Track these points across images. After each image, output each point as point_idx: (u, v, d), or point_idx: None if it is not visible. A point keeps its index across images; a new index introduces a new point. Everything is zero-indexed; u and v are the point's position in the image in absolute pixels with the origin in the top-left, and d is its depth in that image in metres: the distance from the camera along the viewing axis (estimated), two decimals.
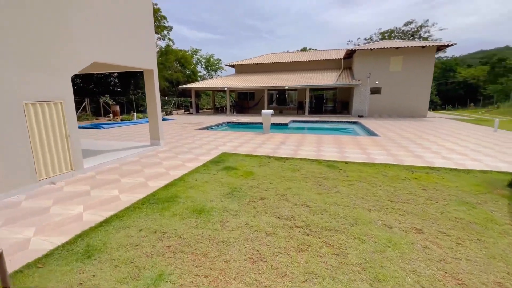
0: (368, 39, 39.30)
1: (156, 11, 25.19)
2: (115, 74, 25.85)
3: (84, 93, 24.30)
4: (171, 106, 26.37)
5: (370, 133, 10.98)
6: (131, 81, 25.17)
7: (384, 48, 17.81)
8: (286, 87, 19.90)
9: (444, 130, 11.49)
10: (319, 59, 22.87)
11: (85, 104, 19.52)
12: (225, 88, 21.51)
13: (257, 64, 24.53)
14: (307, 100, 20.32)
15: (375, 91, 18.78)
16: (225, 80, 23.21)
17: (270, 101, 24.98)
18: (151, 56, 7.07)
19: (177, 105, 29.27)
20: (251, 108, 23.77)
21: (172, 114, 22.39)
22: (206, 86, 22.33)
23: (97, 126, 12.78)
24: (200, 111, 27.00)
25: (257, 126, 15.27)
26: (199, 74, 37.30)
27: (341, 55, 22.69)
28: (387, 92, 18.42)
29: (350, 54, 20.47)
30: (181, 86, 23.02)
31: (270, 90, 23.92)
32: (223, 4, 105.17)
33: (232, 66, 25.94)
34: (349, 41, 43.63)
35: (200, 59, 39.02)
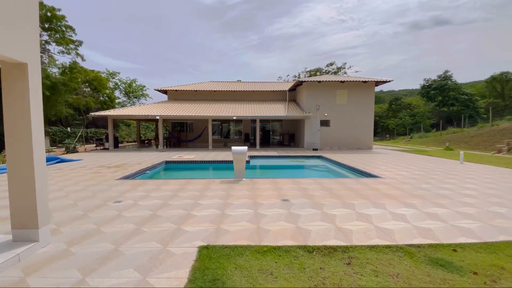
0: (296, 76, 42.15)
1: (58, 18, 19.35)
2: None
3: None
4: (75, 140, 19.63)
5: (361, 172, 9.16)
6: None
7: (330, 81, 17.79)
8: (234, 117, 17.29)
9: (451, 167, 10.85)
10: (264, 89, 21.59)
11: None
12: (157, 117, 17.20)
13: (196, 91, 21.33)
14: (258, 132, 18.11)
15: (324, 123, 18.27)
16: (156, 108, 18.86)
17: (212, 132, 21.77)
18: (27, 39, 3.15)
19: (85, 139, 22.33)
20: (191, 141, 19.85)
21: (77, 151, 16.16)
22: (130, 114, 17.44)
23: None
24: (119, 145, 21.12)
25: (212, 166, 11.69)
26: (117, 100, 30.93)
27: (285, 87, 22.12)
28: (336, 124, 18.14)
29: (295, 86, 19.90)
30: (92, 114, 17.27)
31: (214, 120, 20.83)
32: (144, 35, 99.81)
33: (164, 91, 21.87)
34: (279, 77, 45.91)
35: (119, 83, 32.88)
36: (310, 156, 14.20)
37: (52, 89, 17.89)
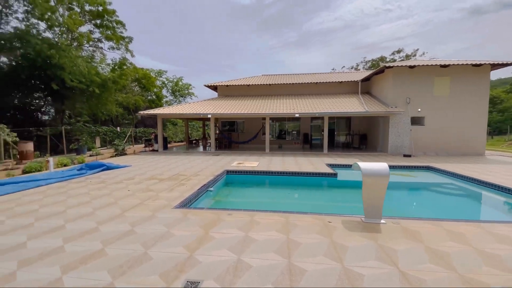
0: (353, 68, 37.41)
1: (109, 13, 18.50)
2: (42, 94, 17.62)
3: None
4: (124, 141, 18.65)
5: None
6: (63, 102, 17.15)
7: (426, 65, 13.61)
8: (297, 115, 14.25)
9: None
10: (328, 81, 18.09)
11: None
12: (209, 116, 15.02)
13: (248, 85, 18.83)
14: (326, 133, 14.79)
15: (416, 121, 14.17)
16: (206, 105, 16.80)
17: (263, 133, 19.07)
18: None
19: (134, 139, 21.49)
20: (245, 142, 17.35)
21: (126, 154, 14.78)
22: (180, 113, 15.56)
23: None
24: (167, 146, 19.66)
25: (287, 179, 8.80)
26: (165, 99, 30.29)
27: (356, 77, 18.33)
28: (433, 123, 13.89)
29: (374, 74, 16.04)
30: (142, 112, 15.84)
31: (272, 119, 18.14)
32: (181, 38, 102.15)
33: (214, 87, 19.81)
34: (333, 68, 41.50)
35: (166, 82, 32.29)
36: (418, 166, 10.46)
37: (102, 87, 17.06)
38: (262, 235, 3.81)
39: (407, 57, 34.17)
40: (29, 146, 12.38)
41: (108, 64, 21.29)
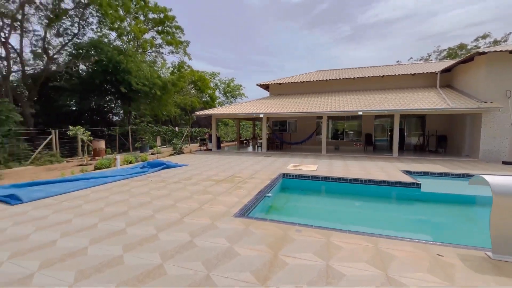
0: (425, 58, 32.90)
1: (169, 19, 19.64)
2: (113, 96, 19.67)
3: (78, 122, 18.08)
4: (181, 140, 19.54)
5: None
6: (130, 104, 18.80)
7: None
8: (360, 113, 12.65)
9: None
10: (398, 73, 15.83)
11: (50, 139, 12.79)
12: (261, 115, 14.50)
13: (302, 82, 17.78)
14: (397, 133, 12.83)
15: None
16: (258, 105, 16.37)
17: (316, 133, 17.72)
18: None
19: (190, 138, 22.48)
20: (299, 143, 16.34)
21: (183, 152, 15.30)
22: (233, 113, 15.44)
23: (13, 199, 5.61)
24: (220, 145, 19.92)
25: (353, 187, 7.57)
26: (218, 100, 31.25)
27: (434, 67, 15.66)
28: None
29: (459, 63, 13.34)
30: (197, 113, 16.27)
31: (320, 117, 16.82)
32: (232, 41, 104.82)
33: (266, 86, 19.33)
34: (398, 61, 37.36)
35: (219, 83, 33.32)
36: None
37: (163, 89, 18.19)
38: (349, 268, 2.90)
39: (496, 42, 28.24)
40: (101, 144, 13.67)
41: (168, 68, 22.79)
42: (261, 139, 19.50)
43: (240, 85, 34.31)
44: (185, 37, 22.85)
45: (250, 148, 17.93)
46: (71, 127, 11.22)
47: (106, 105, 21.24)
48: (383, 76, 15.87)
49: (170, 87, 18.90)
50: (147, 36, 19.82)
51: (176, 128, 20.86)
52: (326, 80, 17.23)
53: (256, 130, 25.50)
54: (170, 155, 14.36)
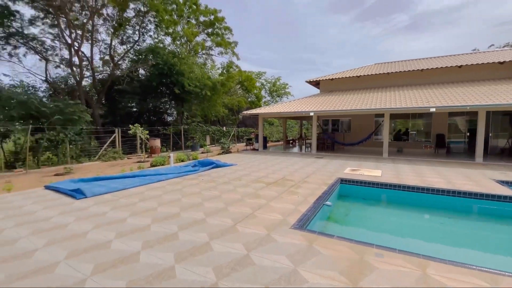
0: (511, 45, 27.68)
1: (219, 20, 20.03)
2: (168, 98, 20.91)
3: (137, 122, 19.86)
4: (229, 139, 19.72)
5: None
6: (183, 105, 19.72)
7: None
8: (432, 110, 10.77)
9: None
10: (482, 62, 13.20)
11: (114, 137, 14.00)
12: (311, 114, 13.55)
13: (359, 77, 16.22)
14: (482, 135, 10.61)
15: None
16: (307, 103, 15.43)
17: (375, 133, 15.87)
18: None
19: (236, 137, 22.65)
20: (354, 144, 14.86)
21: (231, 152, 15.29)
22: (281, 111, 14.83)
23: (78, 193, 5.95)
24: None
25: (438, 201, 6.21)
26: (263, 100, 31.05)
27: None
28: None
29: None
30: (245, 112, 16.13)
31: (378, 115, 15.04)
32: (277, 41, 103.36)
33: (316, 83, 18.24)
34: (474, 49, 32.20)
35: (265, 83, 33.09)
36: None
37: (212, 90, 18.61)
38: None
39: None
40: (157, 142, 14.44)
41: (218, 69, 23.40)
42: (308, 139, 18.49)
43: (286, 84, 33.57)
44: (232, 38, 23.20)
45: (296, 149, 17.09)
46: (131, 126, 12.06)
47: (161, 106, 22.77)
48: (460, 66, 13.38)
49: (219, 88, 19.26)
50: (198, 38, 20.58)
51: (224, 128, 21.20)
52: (388, 73, 15.35)
53: (303, 129, 24.44)
54: (218, 154, 14.46)
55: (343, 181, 7.54)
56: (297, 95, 67.80)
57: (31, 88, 17.34)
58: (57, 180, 8.00)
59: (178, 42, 19.59)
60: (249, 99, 29.58)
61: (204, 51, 21.67)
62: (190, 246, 3.32)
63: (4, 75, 19.63)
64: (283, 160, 11.54)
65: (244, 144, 20.49)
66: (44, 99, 15.04)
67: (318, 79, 17.57)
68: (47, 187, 6.67)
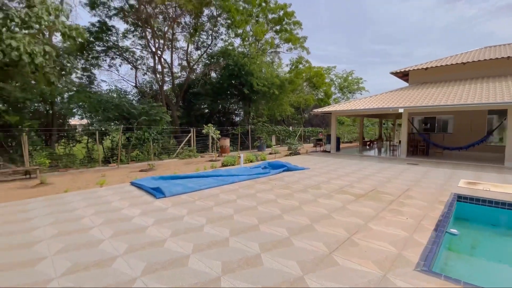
0: None
1: (289, 15, 19.25)
2: (236, 98, 21.34)
3: (209, 122, 21.08)
4: (295, 139, 18.72)
5: None
6: (250, 105, 19.73)
7: None
8: None
9: None
10: None
11: (190, 136, 14.78)
12: (400, 110, 11.35)
13: (464, 64, 12.94)
14: None
15: None
16: (393, 97, 13.11)
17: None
18: None
19: (303, 138, 21.46)
20: (461, 148, 11.76)
21: (299, 153, 14.28)
22: (358, 109, 13.00)
23: (158, 192, 6.01)
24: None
25: None
26: (333, 96, 28.82)
27: None
28: None
29: None
30: (316, 110, 14.88)
31: (497, 112, 11.57)
32: (347, 34, 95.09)
33: (403, 74, 15.53)
34: None
35: (334, 78, 30.68)
36: None
37: (280, 88, 17.98)
38: None
39: None
40: (227, 142, 14.59)
41: (287, 65, 22.72)
42: (389, 140, 15.92)
43: (360, 79, 30.30)
44: (301, 33, 22.00)
45: (373, 152, 14.84)
46: (205, 126, 12.44)
47: (230, 107, 23.51)
48: None
49: (287, 86, 18.49)
50: (266, 36, 20.24)
51: (291, 127, 20.33)
52: (508, 57, 11.70)
53: (383, 129, 21.42)
54: (286, 155, 13.67)
55: (460, 198, 5.67)
56: (374, 90, 61.27)
57: (123, 92, 20.12)
58: (142, 176, 8.58)
59: (246, 43, 19.74)
60: (316, 97, 27.87)
61: (272, 49, 21.26)
62: (278, 279, 2.55)
63: (103, 81, 23.53)
64: (364, 166, 9.91)
65: (312, 145, 19.16)
66: (134, 102, 17.14)
67: (406, 70, 14.86)
68: (132, 183, 7.06)
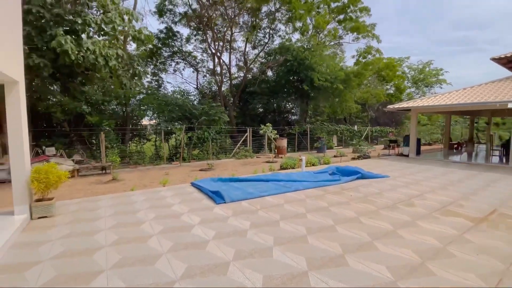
0: None
1: (354, 1, 17.23)
2: (294, 96, 20.32)
3: (263, 122, 20.77)
4: (360, 139, 16.65)
5: None
6: (307, 102, 18.42)
7: None
8: None
9: None
10: None
11: (246, 136, 14.42)
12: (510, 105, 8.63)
13: None
14: None
15: None
16: (498, 89, 10.20)
17: None
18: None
19: (370, 139, 19.07)
20: None
21: (369, 156, 12.42)
22: (451, 104, 10.49)
23: (218, 196, 5.50)
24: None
25: None
26: (407, 91, 25.07)
27: None
28: None
29: None
30: (391, 106, 12.76)
31: None
32: (420, 21, 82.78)
33: (508, 60, 12.08)
34: None
35: (407, 71, 26.63)
36: None
37: (344, 82, 16.17)
38: None
39: None
40: (284, 142, 13.73)
41: (352, 56, 20.57)
42: (481, 142, 12.72)
43: (440, 70, 25.50)
44: (369, 20, 19.44)
45: (459, 157, 11.92)
46: (262, 126, 11.85)
47: (286, 105, 22.64)
48: None
49: (353, 79, 16.52)
50: (329, 27, 18.58)
51: (356, 127, 18.23)
52: None
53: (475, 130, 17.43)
54: (353, 158, 12.04)
55: None
56: (453, 84, 52.42)
57: (186, 94, 21.20)
58: (202, 175, 8.44)
59: (305, 37, 18.52)
60: (387, 91, 24.61)
61: (334, 41, 19.41)
62: None
63: (168, 82, 25.37)
64: (463, 176, 7.79)
65: (382, 146, 16.76)
66: (195, 103, 17.77)
67: None
68: (192, 184, 6.82)
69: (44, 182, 4.35)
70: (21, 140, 4.20)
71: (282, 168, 9.40)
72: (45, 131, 11.05)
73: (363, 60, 17.90)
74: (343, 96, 16.85)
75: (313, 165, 9.81)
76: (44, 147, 9.19)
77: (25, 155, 4.28)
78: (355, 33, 18.06)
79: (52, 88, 9.60)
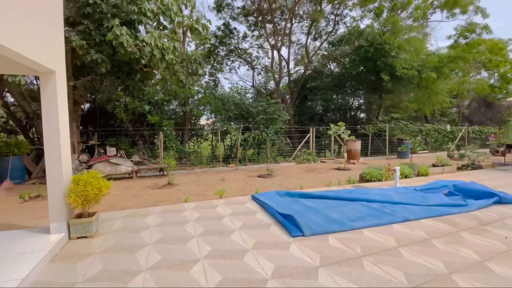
0: None
1: None
2: (366, 89, 17.57)
3: (322, 120, 18.68)
4: (454, 143, 13.02)
5: None
6: (381, 96, 15.45)
7: None
8: None
9: None
10: None
11: (308, 137, 12.58)
12: None
13: None
14: None
15: None
16: None
17: None
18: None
19: (466, 141, 15.02)
20: None
21: (481, 167, 9.16)
22: None
23: (291, 224, 4.00)
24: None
25: None
26: None
27: None
28: None
29: None
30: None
31: None
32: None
33: None
34: None
35: None
36: None
37: (436, 70, 12.77)
38: None
39: None
40: (357, 145, 11.47)
41: (449, 37, 16.59)
42: None
43: None
44: None
45: None
46: (332, 126, 9.87)
47: (355, 101, 19.95)
48: None
49: (449, 65, 12.95)
50: (416, 2, 15.18)
51: (448, 126, 14.47)
52: None
53: None
54: (458, 168, 9.06)
55: None
56: None
57: (242, 91, 20.46)
58: (260, 183, 7.15)
59: (381, 19, 15.59)
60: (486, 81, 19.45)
61: (422, 21, 15.67)
62: None
63: (225, 78, 25.17)
64: None
65: (488, 150, 12.84)
66: (251, 101, 16.80)
67: None
68: (254, 198, 5.50)
69: (82, 196, 3.54)
70: (57, 144, 3.43)
71: (363, 179, 7.35)
72: (109, 130, 11.36)
73: (463, 42, 13.90)
74: (434, 87, 13.30)
75: (405, 176, 7.47)
76: (107, 147, 9.21)
77: (63, 163, 3.51)
78: (451, 8, 14.20)
79: (112, 87, 9.59)
